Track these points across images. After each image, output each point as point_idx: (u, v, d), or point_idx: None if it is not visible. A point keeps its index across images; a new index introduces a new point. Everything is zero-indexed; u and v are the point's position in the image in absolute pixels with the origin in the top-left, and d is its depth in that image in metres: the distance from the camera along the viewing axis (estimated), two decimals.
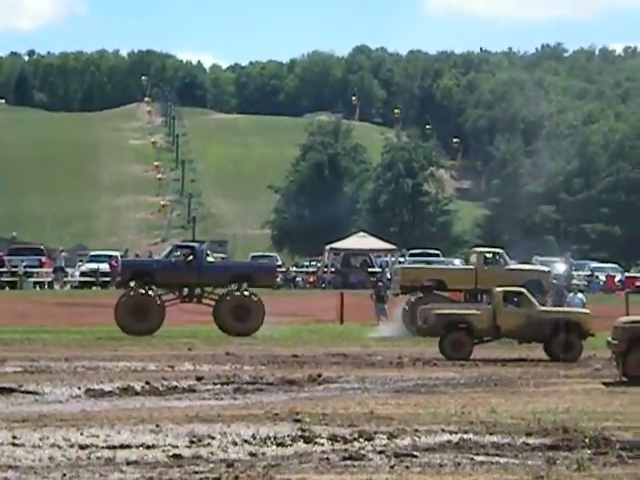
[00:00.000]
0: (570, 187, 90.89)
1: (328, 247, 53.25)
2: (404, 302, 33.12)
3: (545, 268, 37.03)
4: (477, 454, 11.24)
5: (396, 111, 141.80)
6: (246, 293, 31.52)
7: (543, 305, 28.73)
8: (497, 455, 11.22)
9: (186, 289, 32.19)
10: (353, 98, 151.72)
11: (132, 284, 31.62)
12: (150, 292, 31.17)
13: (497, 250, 34.89)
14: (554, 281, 38.04)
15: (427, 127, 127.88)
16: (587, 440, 12.08)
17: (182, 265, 31.88)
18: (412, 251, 58.58)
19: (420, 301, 31.76)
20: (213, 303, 31.91)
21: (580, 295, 35.40)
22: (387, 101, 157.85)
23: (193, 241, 47.26)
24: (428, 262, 53.34)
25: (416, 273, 34.14)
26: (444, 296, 32.54)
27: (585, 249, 74.31)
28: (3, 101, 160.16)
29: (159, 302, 31.21)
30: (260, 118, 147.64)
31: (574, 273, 51.33)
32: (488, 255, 33.74)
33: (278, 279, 52.97)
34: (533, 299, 25.40)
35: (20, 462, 10.46)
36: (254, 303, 31.33)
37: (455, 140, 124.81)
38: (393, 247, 54.03)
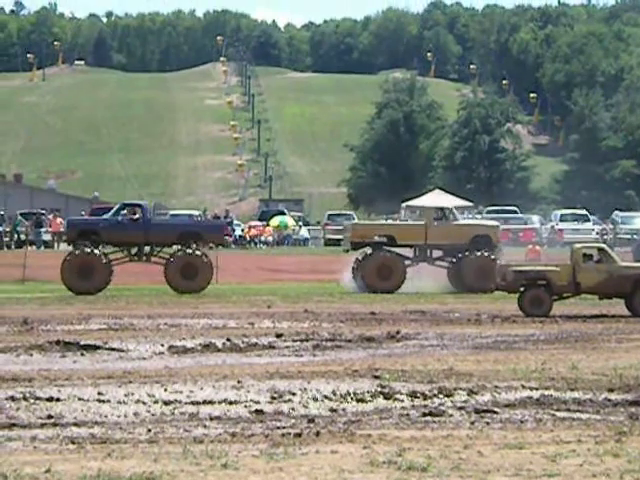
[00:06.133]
0: None
1: (404, 205, 53.05)
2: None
3: (494, 223, 37.06)
4: (558, 410, 11.18)
5: (472, 67, 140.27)
6: (197, 252, 31.42)
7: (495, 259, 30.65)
8: (579, 411, 11.15)
9: (135, 248, 32.18)
10: (428, 54, 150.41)
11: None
12: (95, 251, 31.19)
13: (446, 206, 35.24)
14: (635, 236, 37.56)
15: (503, 82, 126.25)
16: None
17: (129, 223, 31.80)
18: (489, 208, 58.11)
19: (369, 257, 32.07)
20: (163, 262, 31.87)
21: None
22: (463, 57, 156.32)
23: (270, 200, 47.27)
24: (505, 219, 53.06)
25: (366, 229, 34.38)
26: (394, 252, 32.60)
27: None
28: (82, 63, 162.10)
29: (104, 261, 31.25)
30: (335, 76, 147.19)
31: None
32: (438, 212, 34.21)
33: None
34: (614, 255, 25.10)
35: (106, 418, 10.63)
36: (202, 262, 31.33)
37: (532, 95, 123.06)
38: (470, 204, 53.63)
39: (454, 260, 32.95)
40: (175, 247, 32.20)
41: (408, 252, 33.52)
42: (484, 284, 31.64)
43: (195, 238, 31.97)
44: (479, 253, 32.32)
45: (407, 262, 33.04)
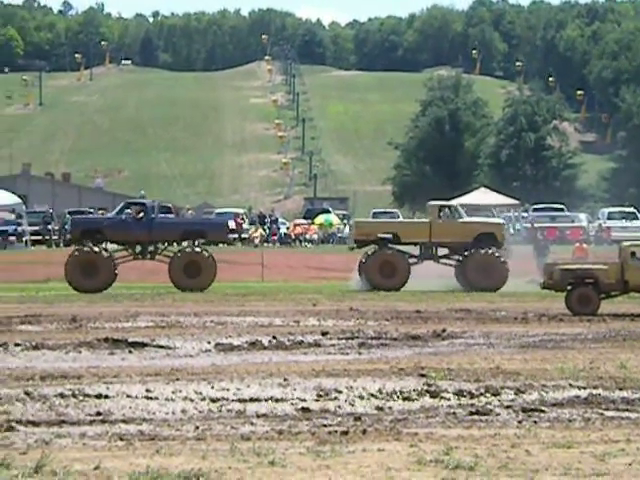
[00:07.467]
0: None
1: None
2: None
3: (499, 221, 36.59)
4: (607, 409, 11.11)
5: (518, 64, 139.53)
6: (197, 249, 31.34)
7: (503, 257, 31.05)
8: (627, 410, 11.06)
9: (138, 246, 32.14)
10: (473, 52, 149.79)
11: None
12: (97, 249, 31.15)
13: (451, 203, 35.05)
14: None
15: (550, 79, 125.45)
16: None
17: (132, 222, 31.76)
18: (536, 206, 57.79)
19: (372, 255, 31.88)
20: (167, 260, 31.74)
21: None
22: (508, 54, 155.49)
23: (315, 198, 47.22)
24: (552, 217, 52.65)
25: (370, 227, 34.22)
26: (398, 249, 32.41)
27: None
28: (129, 62, 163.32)
29: (108, 259, 31.22)
30: (379, 74, 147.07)
31: None
32: (443, 208, 33.78)
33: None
34: None
35: (154, 415, 10.71)
36: (205, 259, 31.21)
37: (579, 92, 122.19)
38: (516, 202, 53.40)
39: (460, 258, 32.67)
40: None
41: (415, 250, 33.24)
42: (488, 282, 31.34)
43: (199, 236, 31.95)
44: (483, 251, 32.05)
45: (412, 260, 32.86)
